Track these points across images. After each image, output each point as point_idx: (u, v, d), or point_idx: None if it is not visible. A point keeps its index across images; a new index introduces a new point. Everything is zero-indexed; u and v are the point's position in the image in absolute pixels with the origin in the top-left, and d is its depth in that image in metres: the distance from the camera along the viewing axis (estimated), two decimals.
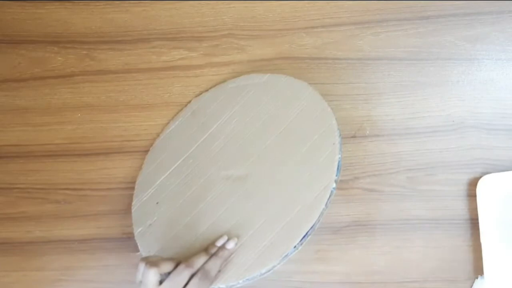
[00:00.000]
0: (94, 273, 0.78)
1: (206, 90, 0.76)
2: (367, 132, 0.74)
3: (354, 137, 0.74)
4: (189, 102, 0.76)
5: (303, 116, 0.68)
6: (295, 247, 0.61)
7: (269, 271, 0.62)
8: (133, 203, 0.74)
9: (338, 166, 0.64)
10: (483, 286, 0.72)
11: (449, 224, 0.73)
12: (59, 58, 0.78)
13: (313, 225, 0.62)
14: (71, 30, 0.78)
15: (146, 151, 0.77)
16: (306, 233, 0.61)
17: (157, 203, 0.72)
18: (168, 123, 0.77)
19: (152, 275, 0.58)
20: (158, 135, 0.77)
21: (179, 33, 0.77)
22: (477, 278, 0.73)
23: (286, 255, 0.61)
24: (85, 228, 0.77)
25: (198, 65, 0.77)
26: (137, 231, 0.71)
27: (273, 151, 0.68)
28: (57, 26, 0.78)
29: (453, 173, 0.73)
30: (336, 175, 0.63)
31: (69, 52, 0.78)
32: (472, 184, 0.72)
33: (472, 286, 0.73)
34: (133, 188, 0.76)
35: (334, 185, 0.63)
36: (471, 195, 0.73)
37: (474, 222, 0.72)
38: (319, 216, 0.62)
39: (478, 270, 0.73)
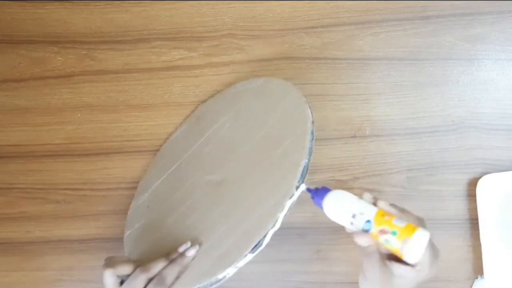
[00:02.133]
0: (94, 273, 0.78)
1: (212, 96, 0.76)
2: (367, 132, 0.74)
3: (354, 137, 0.74)
4: (196, 107, 0.77)
5: (282, 119, 0.66)
6: (245, 255, 0.57)
7: (219, 280, 0.59)
8: (130, 205, 0.74)
9: (302, 171, 0.59)
10: (483, 286, 0.72)
11: (449, 224, 0.73)
12: (59, 58, 0.78)
13: (266, 233, 0.57)
14: (71, 30, 0.78)
15: (146, 151, 0.77)
16: (258, 243, 0.57)
17: (148, 206, 0.72)
18: (168, 123, 0.77)
19: (107, 276, 0.58)
20: (159, 135, 0.77)
21: (179, 33, 0.76)
22: (477, 278, 0.73)
23: (237, 265, 0.58)
24: (85, 228, 0.77)
25: (198, 65, 0.77)
26: (126, 233, 0.71)
27: (249, 156, 0.66)
28: (57, 26, 0.78)
29: (453, 173, 0.73)
30: (298, 181, 0.58)
31: (69, 52, 0.78)
32: (472, 184, 0.72)
33: (472, 286, 0.73)
34: (132, 188, 0.76)
35: (294, 191, 0.58)
36: (471, 195, 0.73)
37: (474, 222, 0.72)
38: (274, 224, 0.57)
39: (478, 270, 0.73)
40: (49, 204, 0.78)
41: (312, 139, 0.62)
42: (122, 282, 0.59)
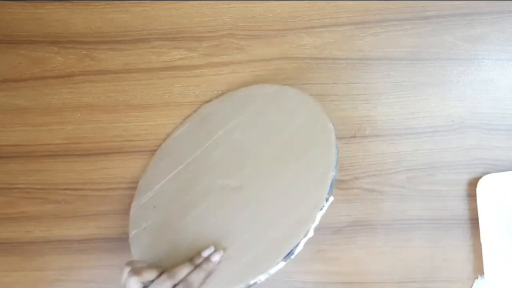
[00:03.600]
0: (94, 273, 0.78)
1: (217, 97, 0.76)
2: (367, 132, 0.74)
3: (354, 137, 0.74)
4: (199, 107, 0.76)
5: (303, 130, 0.66)
6: (278, 263, 0.59)
7: (249, 286, 0.60)
8: (132, 204, 0.74)
9: (331, 184, 0.61)
10: (483, 286, 0.72)
11: (449, 224, 0.73)
12: (59, 58, 0.78)
13: (298, 244, 0.59)
14: (71, 30, 0.78)
15: (146, 151, 0.77)
16: (290, 251, 0.59)
17: (154, 206, 0.71)
18: (168, 123, 0.77)
19: (133, 284, 0.58)
20: (159, 135, 0.77)
21: (179, 33, 0.76)
22: (477, 278, 0.73)
23: (268, 272, 0.59)
24: (85, 228, 0.77)
25: (198, 65, 0.77)
26: (131, 233, 0.71)
27: (269, 164, 0.67)
28: (57, 26, 0.78)
29: (453, 173, 0.73)
30: (328, 193, 0.60)
31: (69, 52, 0.78)
32: (472, 184, 0.72)
33: (472, 286, 0.73)
34: (132, 188, 0.76)
35: (324, 203, 0.60)
36: (471, 195, 0.73)
37: (474, 222, 0.72)
38: (305, 235, 0.59)
39: (478, 270, 0.73)
40: (49, 204, 0.78)
41: (337, 152, 0.63)
42: None
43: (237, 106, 0.73)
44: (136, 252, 0.69)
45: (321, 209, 0.60)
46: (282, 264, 0.59)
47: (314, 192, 0.61)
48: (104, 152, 0.77)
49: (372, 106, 0.74)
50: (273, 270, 0.59)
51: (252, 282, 0.59)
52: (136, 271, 0.59)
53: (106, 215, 0.77)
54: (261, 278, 0.59)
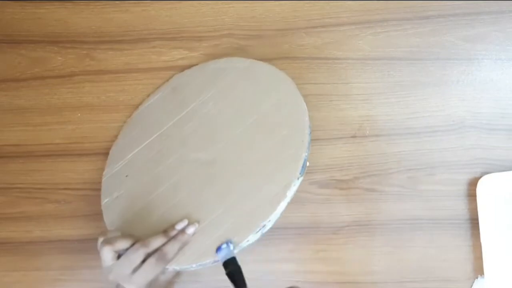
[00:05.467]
0: (94, 273, 0.78)
1: (189, 68, 0.76)
2: (367, 132, 0.74)
3: (354, 137, 0.74)
4: (171, 77, 0.76)
5: (277, 109, 0.67)
6: (248, 240, 0.61)
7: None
8: (104, 172, 0.74)
9: (303, 164, 0.62)
10: (483, 286, 0.72)
11: (449, 224, 0.73)
12: (59, 58, 0.78)
13: (269, 219, 0.61)
14: (71, 30, 0.78)
15: None
16: (262, 227, 0.61)
17: (126, 176, 0.72)
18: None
19: (105, 253, 0.59)
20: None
21: (179, 33, 0.76)
22: (477, 278, 0.73)
23: (240, 246, 0.61)
24: (85, 228, 0.77)
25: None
26: (103, 201, 0.71)
27: (242, 140, 0.67)
28: (57, 26, 0.78)
29: (453, 173, 0.73)
30: (300, 173, 0.62)
31: (69, 52, 0.78)
32: (472, 184, 0.72)
33: (472, 286, 0.73)
34: None
35: (296, 183, 0.62)
36: (471, 195, 0.73)
37: (474, 222, 0.72)
38: (276, 212, 0.61)
39: (478, 270, 0.73)
40: (49, 204, 0.78)
41: (310, 132, 0.64)
42: (119, 256, 0.60)
43: (209, 78, 0.73)
44: (108, 221, 0.69)
45: (292, 187, 0.61)
46: (252, 239, 0.61)
47: (286, 171, 0.62)
48: (104, 152, 0.77)
49: (372, 106, 0.74)
50: (244, 244, 0.61)
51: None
52: (108, 240, 0.60)
53: None
54: (234, 251, 0.60)
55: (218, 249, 0.60)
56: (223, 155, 0.67)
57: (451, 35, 0.73)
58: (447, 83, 0.74)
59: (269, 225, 0.61)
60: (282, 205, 0.61)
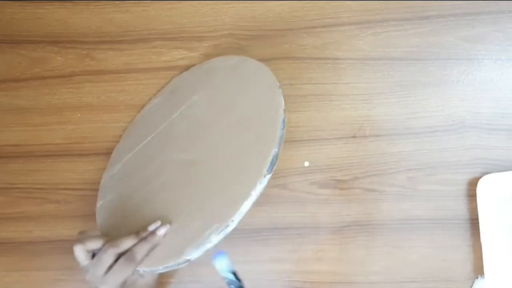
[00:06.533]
0: None
1: (187, 69, 0.76)
2: (367, 132, 0.74)
3: (354, 137, 0.75)
4: (170, 80, 0.76)
5: (256, 104, 0.65)
6: (210, 241, 0.59)
7: (187, 261, 0.60)
8: (103, 175, 0.74)
9: (271, 161, 0.60)
10: (483, 286, 0.72)
11: (449, 224, 0.73)
12: (59, 58, 0.78)
13: (232, 219, 0.58)
14: (71, 30, 0.78)
15: None
16: (224, 227, 0.58)
17: (119, 178, 0.72)
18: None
19: (77, 252, 0.60)
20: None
21: (179, 33, 0.77)
22: (477, 278, 0.73)
23: (203, 248, 0.59)
24: (85, 228, 0.77)
25: None
26: (98, 203, 0.71)
27: (220, 138, 0.66)
28: (57, 26, 0.78)
29: (453, 173, 0.73)
30: (268, 171, 0.59)
31: (69, 52, 0.78)
32: (472, 184, 0.72)
33: (472, 286, 0.73)
34: None
35: (263, 181, 0.59)
36: (471, 195, 0.73)
37: (474, 222, 0.72)
38: (240, 211, 0.58)
39: (478, 270, 0.73)
40: (49, 204, 0.78)
41: (283, 127, 0.62)
42: (94, 256, 0.61)
43: (201, 79, 0.73)
44: (98, 223, 0.70)
45: (258, 185, 0.59)
46: (218, 238, 0.59)
47: (254, 168, 0.60)
48: (104, 152, 0.77)
49: (372, 106, 0.74)
50: (208, 246, 0.59)
51: (188, 257, 0.59)
52: (80, 240, 0.60)
53: None
54: (197, 254, 0.59)
55: (214, 257, 0.61)
56: (202, 154, 0.66)
57: (451, 35, 0.73)
58: (447, 83, 0.74)
59: (232, 225, 0.59)
60: (246, 204, 0.58)
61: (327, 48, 0.75)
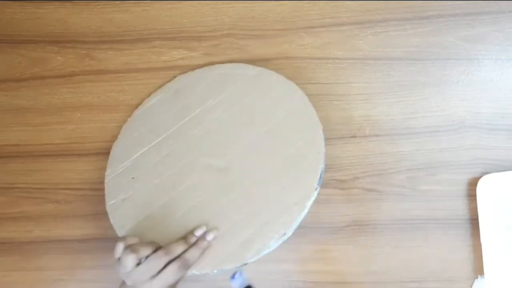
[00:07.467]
0: (94, 273, 0.78)
1: (192, 70, 0.76)
2: (367, 132, 0.74)
3: (354, 137, 0.74)
4: (173, 79, 0.76)
5: (290, 119, 0.68)
6: (270, 247, 0.62)
7: (243, 265, 0.63)
8: (107, 172, 0.73)
9: (320, 175, 0.64)
10: (483, 286, 0.72)
11: (449, 224, 0.73)
12: (59, 58, 0.78)
13: (290, 228, 0.63)
14: (71, 30, 0.78)
15: None
16: (282, 235, 0.62)
17: (132, 178, 0.71)
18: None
19: (130, 261, 0.60)
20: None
21: (179, 33, 0.76)
22: (477, 278, 0.73)
23: (261, 253, 0.62)
24: (85, 228, 0.77)
25: (198, 65, 0.76)
26: (109, 203, 0.71)
27: (257, 149, 0.68)
28: (57, 26, 0.78)
29: (453, 173, 0.73)
30: (318, 184, 0.64)
31: (69, 52, 0.78)
32: (472, 184, 0.72)
33: (472, 286, 0.73)
34: None
35: (315, 193, 0.63)
36: (471, 195, 0.73)
37: (474, 222, 0.72)
38: (296, 220, 0.63)
39: (478, 270, 0.73)
40: (49, 204, 0.78)
41: (324, 145, 0.66)
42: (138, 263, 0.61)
43: (215, 84, 0.73)
44: (117, 223, 0.69)
45: (311, 197, 0.63)
46: (276, 245, 0.63)
47: (305, 182, 0.64)
48: (104, 152, 0.77)
49: (372, 106, 0.74)
50: (266, 251, 0.63)
51: (247, 261, 0.62)
52: (133, 249, 0.60)
53: (105, 215, 0.77)
54: (254, 259, 0.62)
55: (232, 277, 0.63)
56: (237, 162, 0.68)
57: (451, 35, 0.73)
58: (447, 83, 0.74)
59: (289, 233, 0.63)
60: (302, 214, 0.63)
61: (327, 48, 0.75)
